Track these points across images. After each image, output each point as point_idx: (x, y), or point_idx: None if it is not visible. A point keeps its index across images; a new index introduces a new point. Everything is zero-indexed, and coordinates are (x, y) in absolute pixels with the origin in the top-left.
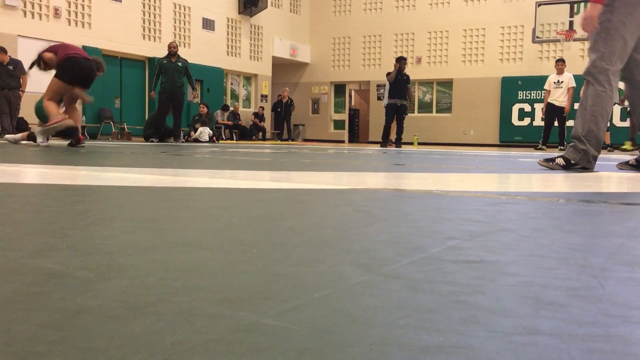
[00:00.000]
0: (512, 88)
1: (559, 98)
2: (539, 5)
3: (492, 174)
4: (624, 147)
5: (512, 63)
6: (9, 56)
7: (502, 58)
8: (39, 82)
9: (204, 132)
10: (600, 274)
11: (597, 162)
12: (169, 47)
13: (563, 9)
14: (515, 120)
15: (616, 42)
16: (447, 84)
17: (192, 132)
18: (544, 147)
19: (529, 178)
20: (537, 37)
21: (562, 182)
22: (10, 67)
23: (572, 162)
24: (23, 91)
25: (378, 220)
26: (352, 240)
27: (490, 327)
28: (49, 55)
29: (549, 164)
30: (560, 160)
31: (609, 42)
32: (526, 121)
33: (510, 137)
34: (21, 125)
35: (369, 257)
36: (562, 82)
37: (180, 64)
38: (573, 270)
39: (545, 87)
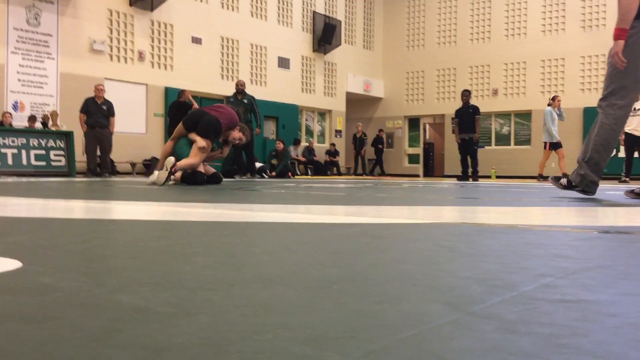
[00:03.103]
0: (595, 119)
1: (638, 127)
2: None
3: (578, 207)
4: None
5: (594, 93)
6: (104, 97)
7: (584, 88)
8: (123, 123)
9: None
10: None
11: None
12: (237, 85)
13: None
14: None
15: (627, 79)
16: (525, 115)
17: (268, 171)
18: (627, 179)
19: (619, 212)
20: None
21: None
22: (104, 108)
23: (573, 183)
24: (111, 132)
25: (462, 255)
26: (435, 277)
27: None
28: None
29: (556, 183)
30: (563, 181)
31: (619, 78)
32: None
33: None
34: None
35: (456, 294)
36: (638, 109)
37: (246, 100)
38: None
39: None
